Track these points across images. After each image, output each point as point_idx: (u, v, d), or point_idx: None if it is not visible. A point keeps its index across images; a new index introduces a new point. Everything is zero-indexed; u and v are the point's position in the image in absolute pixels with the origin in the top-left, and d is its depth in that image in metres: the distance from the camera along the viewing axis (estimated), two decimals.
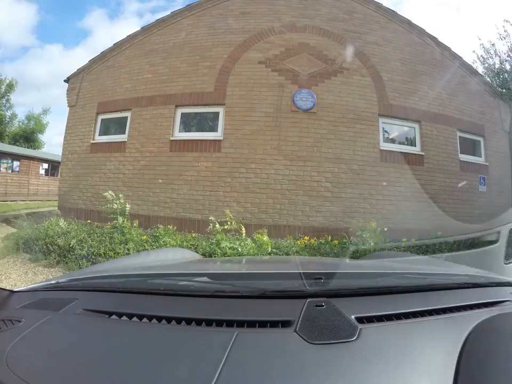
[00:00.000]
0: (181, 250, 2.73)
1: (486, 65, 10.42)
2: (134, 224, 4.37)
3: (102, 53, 6.41)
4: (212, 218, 4.11)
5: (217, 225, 3.78)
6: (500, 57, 10.08)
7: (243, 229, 3.86)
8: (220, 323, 0.68)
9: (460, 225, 5.02)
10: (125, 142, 5.74)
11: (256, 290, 0.82)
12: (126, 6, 56.01)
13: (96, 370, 0.56)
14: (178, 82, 5.64)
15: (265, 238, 3.85)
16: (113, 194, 4.29)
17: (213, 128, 5.56)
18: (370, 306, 0.75)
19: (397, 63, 5.78)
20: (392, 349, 0.60)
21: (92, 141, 6.06)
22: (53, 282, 0.98)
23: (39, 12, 42.90)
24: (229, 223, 3.81)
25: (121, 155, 5.73)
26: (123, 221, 4.18)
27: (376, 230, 4.20)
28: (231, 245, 3.57)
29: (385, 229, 4.25)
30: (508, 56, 9.87)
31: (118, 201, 4.26)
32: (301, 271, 0.92)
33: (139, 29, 6.26)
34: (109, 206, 4.23)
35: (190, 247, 3.76)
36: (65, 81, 6.66)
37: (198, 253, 2.84)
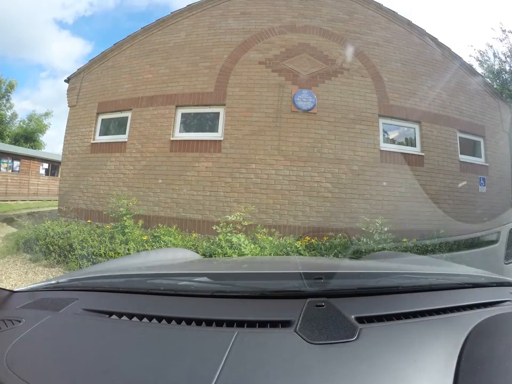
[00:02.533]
0: (181, 250, 2.71)
1: (486, 66, 10.42)
2: (139, 224, 4.42)
3: (102, 52, 6.40)
4: (219, 219, 4.13)
5: (227, 226, 3.81)
6: (499, 58, 10.08)
7: (260, 227, 4.07)
8: (220, 323, 0.68)
9: (460, 226, 5.02)
10: (125, 142, 5.74)
11: (256, 290, 0.82)
12: None
13: (96, 370, 0.55)
14: (178, 83, 5.64)
15: (274, 241, 3.89)
16: (123, 198, 4.36)
17: (213, 129, 5.56)
18: (370, 306, 0.75)
19: (397, 64, 5.78)
20: (392, 349, 0.60)
21: (92, 141, 6.06)
22: (53, 282, 0.98)
23: (94, 48, 46.13)
24: (243, 219, 3.88)
25: (121, 155, 5.73)
26: (128, 219, 4.21)
27: (382, 226, 4.21)
28: (236, 240, 3.56)
29: (386, 229, 4.26)
30: (507, 57, 9.86)
31: (124, 202, 4.31)
32: (301, 271, 0.92)
33: (139, 29, 6.26)
34: (119, 207, 4.29)
35: (190, 247, 3.76)
36: (65, 81, 6.65)
37: (198, 253, 2.84)
